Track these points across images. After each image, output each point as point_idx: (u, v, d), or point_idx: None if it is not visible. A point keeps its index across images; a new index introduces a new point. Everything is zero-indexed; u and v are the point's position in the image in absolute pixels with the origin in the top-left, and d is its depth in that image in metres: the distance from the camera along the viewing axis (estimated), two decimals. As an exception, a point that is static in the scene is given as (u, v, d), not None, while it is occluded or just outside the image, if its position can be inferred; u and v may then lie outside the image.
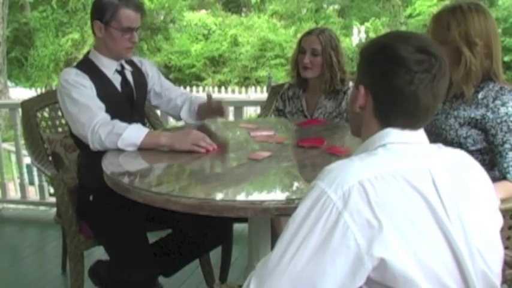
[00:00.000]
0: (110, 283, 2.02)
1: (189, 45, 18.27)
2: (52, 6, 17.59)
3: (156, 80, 2.27)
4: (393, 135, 1.01)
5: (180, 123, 2.50)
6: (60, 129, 2.56)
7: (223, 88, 15.85)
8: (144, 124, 2.13)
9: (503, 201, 1.17)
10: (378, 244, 0.87)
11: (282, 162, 1.66)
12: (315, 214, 0.90)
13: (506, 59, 12.52)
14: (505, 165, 1.60)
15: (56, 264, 2.76)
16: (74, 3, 16.84)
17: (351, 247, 0.87)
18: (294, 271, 0.89)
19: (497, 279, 1.00)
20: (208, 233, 2.06)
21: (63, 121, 2.57)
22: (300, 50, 2.47)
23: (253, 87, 15.61)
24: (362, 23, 16.62)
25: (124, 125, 1.85)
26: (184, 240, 2.07)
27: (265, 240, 1.70)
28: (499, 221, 1.05)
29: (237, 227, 2.41)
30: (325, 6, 19.67)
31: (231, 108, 3.62)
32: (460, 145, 1.67)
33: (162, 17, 18.70)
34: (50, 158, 2.45)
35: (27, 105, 2.50)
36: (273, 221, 2.05)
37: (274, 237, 1.93)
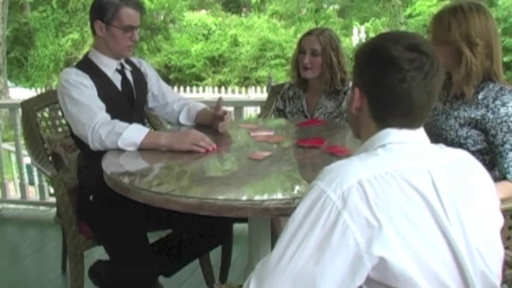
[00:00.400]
0: (110, 283, 2.02)
1: (189, 45, 18.27)
2: (52, 6, 17.59)
3: (154, 81, 2.27)
4: (392, 135, 1.01)
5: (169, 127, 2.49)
6: (60, 129, 2.56)
7: (223, 88, 15.84)
8: (144, 124, 2.13)
9: (503, 201, 1.17)
10: (378, 243, 0.87)
11: (282, 162, 1.66)
12: (315, 213, 0.90)
13: (506, 59, 12.52)
14: (505, 165, 1.60)
15: (56, 264, 2.76)
16: (74, 3, 16.84)
17: (351, 246, 0.87)
18: (294, 270, 0.89)
19: (496, 279, 1.00)
20: (208, 233, 2.06)
21: (63, 121, 2.57)
22: (300, 50, 2.47)
23: (253, 87, 15.60)
24: (362, 23, 16.62)
25: (124, 124, 1.85)
26: (184, 240, 2.07)
27: (265, 240, 1.70)
28: (499, 221, 1.05)
29: (237, 227, 2.40)
30: (325, 6, 19.67)
31: (231, 108, 3.63)
32: (460, 145, 1.67)
33: (162, 17, 18.71)
34: (50, 158, 2.45)
35: (27, 105, 2.50)
36: (273, 221, 2.05)
37: (274, 237, 1.93)
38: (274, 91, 2.89)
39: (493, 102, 1.62)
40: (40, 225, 3.52)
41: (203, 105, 2.32)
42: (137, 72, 2.19)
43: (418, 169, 0.95)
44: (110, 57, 2.05)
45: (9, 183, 4.02)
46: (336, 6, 19.74)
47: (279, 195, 1.35)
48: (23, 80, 17.98)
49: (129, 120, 1.91)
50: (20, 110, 2.72)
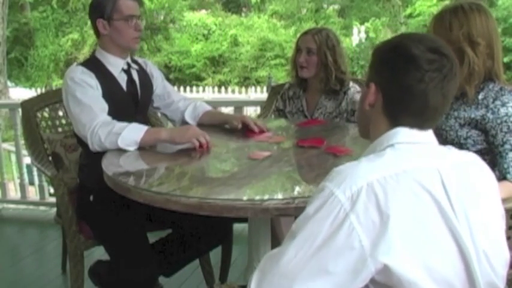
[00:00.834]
0: (110, 283, 2.02)
1: (189, 45, 18.26)
2: (52, 6, 17.59)
3: (159, 81, 2.27)
4: (401, 134, 1.01)
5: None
6: (60, 129, 2.56)
7: (223, 88, 15.84)
8: (146, 125, 2.13)
9: (503, 201, 1.17)
10: (383, 248, 0.87)
11: (282, 162, 1.66)
12: (323, 213, 0.90)
13: (506, 59, 12.51)
14: (505, 165, 1.60)
15: (56, 264, 2.76)
16: (74, 3, 16.84)
17: (356, 248, 0.87)
18: (296, 266, 0.89)
19: (501, 283, 1.00)
20: (208, 233, 2.06)
21: (63, 121, 2.57)
22: (297, 49, 2.49)
23: (253, 87, 15.60)
24: (362, 23, 16.61)
25: (123, 124, 1.85)
26: (184, 240, 2.07)
27: (265, 240, 1.70)
28: (503, 224, 1.05)
29: (237, 227, 2.40)
30: (325, 6, 19.65)
31: (231, 108, 3.63)
32: (460, 146, 1.67)
33: (162, 17, 18.70)
34: (50, 158, 2.45)
35: (27, 105, 2.50)
36: (273, 221, 2.05)
37: (274, 237, 1.94)
38: (274, 91, 2.89)
39: (493, 102, 1.62)
40: (40, 225, 3.52)
41: (209, 107, 2.33)
42: (143, 72, 2.19)
43: (427, 170, 0.95)
44: (116, 55, 2.05)
45: (9, 183, 4.02)
46: (336, 6, 19.73)
47: (278, 192, 1.35)
48: (23, 80, 17.97)
49: (133, 121, 1.91)
50: (20, 110, 2.72)
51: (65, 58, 17.76)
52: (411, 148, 1.00)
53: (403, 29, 16.00)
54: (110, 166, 1.64)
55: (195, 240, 2.07)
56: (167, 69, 17.49)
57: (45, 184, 3.76)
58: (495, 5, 13.84)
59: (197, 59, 17.91)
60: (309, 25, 16.08)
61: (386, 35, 14.42)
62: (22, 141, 3.10)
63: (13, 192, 4.18)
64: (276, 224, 2.15)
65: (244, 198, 1.33)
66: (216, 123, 2.21)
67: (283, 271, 0.90)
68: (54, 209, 2.56)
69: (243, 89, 15.83)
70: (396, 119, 1.02)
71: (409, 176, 0.92)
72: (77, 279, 2.08)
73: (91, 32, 2.29)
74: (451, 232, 0.93)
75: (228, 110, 3.82)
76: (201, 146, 1.78)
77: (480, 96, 1.65)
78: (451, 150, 1.05)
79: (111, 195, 1.53)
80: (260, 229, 1.69)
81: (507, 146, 1.59)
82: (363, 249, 0.87)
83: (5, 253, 3.13)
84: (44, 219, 3.61)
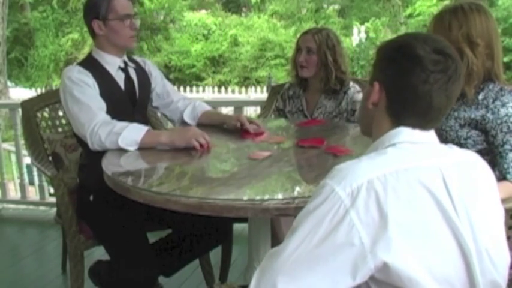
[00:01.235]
0: (110, 283, 2.02)
1: (189, 45, 18.25)
2: (52, 6, 17.58)
3: (159, 80, 2.27)
4: (403, 134, 1.01)
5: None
6: (60, 129, 2.56)
7: (223, 88, 15.84)
8: (146, 125, 2.12)
9: (503, 201, 1.17)
10: (382, 245, 0.87)
11: (282, 162, 1.66)
12: (323, 209, 0.91)
13: (506, 59, 12.51)
14: (505, 165, 1.60)
15: (56, 264, 2.76)
16: (74, 3, 16.83)
17: (355, 245, 0.87)
18: (296, 261, 0.90)
19: (503, 281, 1.00)
20: (208, 233, 2.06)
21: (63, 121, 2.57)
22: (297, 49, 2.49)
23: (253, 87, 15.60)
24: (362, 23, 16.60)
25: (124, 124, 1.85)
26: (184, 240, 2.07)
27: (265, 240, 1.70)
28: (503, 223, 1.05)
29: (237, 227, 2.40)
30: (325, 6, 19.64)
31: (231, 108, 3.63)
32: (460, 146, 1.66)
33: (162, 17, 18.69)
34: (50, 158, 2.45)
35: (27, 105, 2.50)
36: (273, 221, 2.05)
37: (274, 237, 1.94)
38: (274, 91, 2.90)
39: (493, 102, 1.62)
40: (40, 225, 3.52)
41: (209, 107, 2.32)
42: (141, 71, 2.19)
43: (429, 168, 0.95)
44: (113, 54, 2.05)
45: (9, 183, 4.02)
46: (336, 6, 19.72)
47: (278, 192, 1.35)
48: (23, 80, 17.97)
49: (132, 120, 1.91)
50: (20, 110, 2.73)
51: (65, 58, 17.76)
52: (413, 147, 1.00)
53: (403, 29, 15.99)
54: (109, 166, 1.64)
55: (195, 240, 2.07)
56: (167, 69, 17.49)
57: (45, 184, 3.76)
58: (495, 5, 13.83)
59: (197, 59, 17.90)
60: (309, 25, 16.07)
61: (387, 35, 14.42)
62: (22, 141, 3.10)
63: (13, 192, 4.18)
64: (276, 224, 2.15)
65: (244, 198, 1.33)
66: (215, 124, 2.21)
67: (282, 267, 0.91)
68: (54, 209, 2.56)
69: (243, 89, 15.83)
70: (399, 118, 1.02)
71: (410, 174, 0.93)
72: (77, 279, 2.08)
73: (89, 34, 2.26)
74: (452, 230, 0.93)
75: (228, 110, 3.83)
76: (201, 146, 1.78)
77: (480, 97, 1.65)
78: (452, 149, 1.05)
79: (111, 195, 1.53)
80: (260, 229, 1.70)
81: (507, 146, 1.59)
82: (362, 246, 0.87)
83: (5, 253, 3.13)
84: (44, 219, 3.61)
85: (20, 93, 12.54)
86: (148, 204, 1.39)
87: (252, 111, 7.92)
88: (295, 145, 1.89)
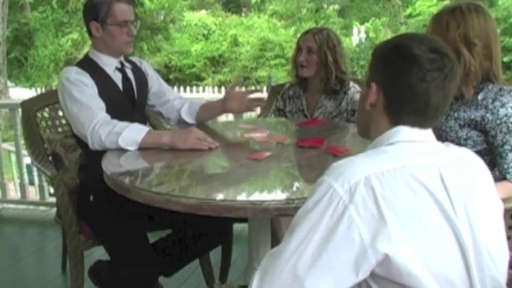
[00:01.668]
0: (110, 283, 2.02)
1: (189, 45, 18.25)
2: (52, 6, 17.57)
3: (154, 80, 2.27)
4: (402, 133, 1.02)
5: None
6: (60, 129, 2.56)
7: (223, 88, 15.84)
8: (145, 124, 2.13)
9: (503, 201, 1.17)
10: (383, 239, 0.88)
11: (282, 163, 1.66)
12: (322, 207, 0.91)
13: (506, 59, 12.51)
14: (505, 166, 1.60)
15: (56, 264, 2.76)
16: (74, 3, 16.82)
17: (355, 241, 0.88)
18: (298, 261, 0.90)
19: (503, 279, 1.00)
20: (208, 233, 2.06)
21: (63, 121, 2.57)
22: (298, 48, 2.49)
23: (253, 87, 15.60)
24: (362, 23, 16.60)
25: (124, 124, 1.85)
26: (184, 240, 2.07)
27: (265, 240, 1.70)
28: (502, 220, 1.05)
29: (237, 227, 2.40)
30: (325, 6, 19.65)
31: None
32: (460, 147, 1.67)
33: (162, 17, 18.69)
34: (50, 158, 2.45)
35: (27, 105, 2.50)
36: (273, 221, 2.05)
37: (274, 237, 1.94)
38: (274, 91, 2.90)
39: (492, 103, 1.62)
40: (40, 225, 3.53)
41: (204, 102, 2.30)
42: (138, 71, 2.19)
43: (426, 166, 0.96)
44: (109, 55, 2.05)
45: (9, 183, 4.02)
46: (336, 6, 19.72)
47: (279, 193, 1.35)
48: (23, 80, 17.97)
49: (131, 120, 1.91)
50: (20, 110, 2.73)
51: (65, 58, 17.75)
52: (411, 146, 1.01)
53: (403, 29, 15.99)
54: (109, 166, 1.64)
55: (195, 240, 2.07)
56: (167, 69, 17.50)
57: (45, 184, 3.77)
58: (495, 5, 13.83)
59: (197, 59, 17.90)
60: (309, 25, 16.07)
61: (386, 35, 14.42)
62: (22, 141, 3.10)
63: (13, 192, 4.18)
64: (276, 224, 2.15)
65: (244, 198, 1.33)
66: (215, 114, 2.19)
67: (284, 267, 0.91)
68: (54, 209, 2.56)
69: (243, 89, 15.81)
70: (397, 117, 1.03)
71: (407, 171, 0.93)
72: (77, 279, 2.08)
73: (87, 33, 2.26)
74: (451, 227, 0.93)
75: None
76: (209, 147, 1.79)
77: (479, 97, 1.65)
78: (450, 147, 1.06)
79: (111, 195, 1.53)
80: (260, 229, 1.70)
81: (507, 147, 1.60)
82: (362, 242, 0.88)
83: (5, 253, 3.13)
84: (44, 219, 3.61)
85: (20, 93, 12.54)
86: (148, 204, 1.39)
87: (252, 111, 7.92)
88: (295, 145, 1.89)
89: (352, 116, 2.45)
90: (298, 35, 2.62)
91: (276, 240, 1.89)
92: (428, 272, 0.90)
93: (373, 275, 0.90)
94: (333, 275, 0.88)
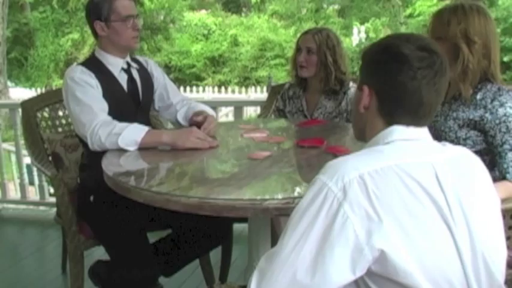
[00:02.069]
0: (110, 283, 2.02)
1: (189, 45, 18.27)
2: (52, 6, 17.58)
3: (161, 81, 2.26)
4: (397, 132, 1.02)
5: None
6: (60, 129, 2.56)
7: (223, 88, 15.85)
8: (148, 126, 2.12)
9: (503, 201, 1.17)
10: (378, 236, 0.88)
11: (282, 163, 1.66)
12: (317, 205, 0.92)
13: (506, 59, 12.52)
14: (505, 165, 1.60)
15: (56, 264, 2.76)
16: (74, 3, 16.81)
17: (350, 238, 0.88)
18: (296, 260, 0.90)
19: (501, 277, 1.00)
20: (208, 233, 2.06)
21: (63, 121, 2.57)
22: (297, 49, 2.50)
23: (253, 87, 15.61)
24: (362, 23, 16.62)
25: (124, 124, 1.85)
26: (184, 240, 2.07)
27: (265, 240, 1.70)
28: (501, 216, 1.05)
29: (237, 227, 2.40)
30: (325, 6, 19.67)
31: (231, 108, 3.63)
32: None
33: (162, 17, 18.68)
34: (50, 158, 2.45)
35: (27, 105, 2.50)
36: (273, 221, 2.05)
37: (274, 237, 1.93)
38: (274, 91, 2.90)
39: (491, 102, 1.62)
40: (40, 225, 3.52)
41: (203, 106, 2.28)
42: (144, 71, 2.18)
43: (421, 164, 0.96)
44: (116, 55, 2.05)
45: (9, 183, 4.02)
46: (336, 6, 19.74)
47: (279, 194, 1.35)
48: (23, 80, 17.98)
49: (135, 121, 1.90)
50: (20, 110, 2.73)
51: (65, 58, 17.77)
52: (406, 145, 1.01)
53: (403, 29, 15.99)
54: (110, 166, 1.64)
55: (195, 240, 2.07)
56: (167, 69, 17.50)
57: (45, 184, 3.76)
58: (495, 4, 13.83)
59: (197, 59, 17.92)
60: (309, 25, 16.08)
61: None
62: (22, 141, 3.10)
63: (13, 192, 4.18)
64: (276, 224, 2.15)
65: (245, 198, 1.33)
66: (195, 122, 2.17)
67: (282, 267, 0.91)
68: (54, 209, 2.56)
69: (243, 89, 15.83)
70: (392, 117, 1.04)
71: (401, 169, 0.94)
72: (77, 279, 2.08)
73: (92, 34, 2.26)
74: (447, 225, 0.93)
75: (228, 110, 3.83)
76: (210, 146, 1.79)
77: (478, 97, 1.65)
78: (446, 146, 1.06)
79: (112, 195, 1.53)
80: (260, 229, 1.70)
81: (506, 146, 1.60)
82: (357, 239, 0.88)
83: (5, 253, 3.13)
84: (44, 219, 3.61)
85: (20, 93, 12.56)
86: (148, 204, 1.39)
87: (252, 111, 7.92)
88: (295, 145, 1.89)
89: (351, 117, 2.45)
90: (298, 35, 2.62)
91: (276, 240, 1.89)
92: (423, 269, 0.90)
93: (370, 273, 0.91)
94: (331, 272, 0.89)
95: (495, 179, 1.53)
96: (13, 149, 4.51)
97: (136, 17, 2.02)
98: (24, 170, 3.83)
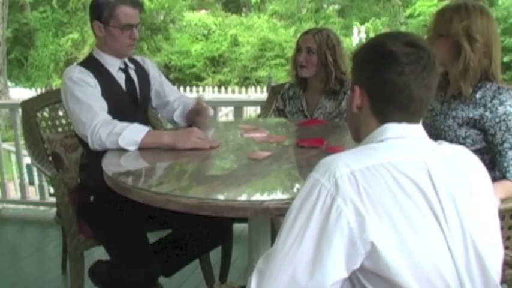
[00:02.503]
0: (110, 283, 2.02)
1: (189, 45, 18.28)
2: (52, 6, 17.60)
3: (157, 79, 2.26)
4: (391, 130, 1.03)
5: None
6: (60, 129, 2.56)
7: (223, 88, 15.85)
8: (148, 125, 2.12)
9: (503, 201, 1.17)
10: (369, 231, 0.88)
11: (282, 163, 1.66)
12: (311, 202, 0.92)
13: (506, 59, 12.53)
14: (505, 164, 1.60)
15: (56, 264, 2.76)
16: (74, 3, 16.83)
17: (345, 231, 0.89)
18: (294, 258, 0.90)
19: (496, 276, 1.00)
20: (208, 233, 2.06)
21: (63, 121, 2.57)
22: (297, 49, 2.50)
23: (253, 87, 15.62)
24: (362, 23, 16.63)
25: (124, 124, 1.85)
26: (184, 240, 2.07)
27: (265, 240, 1.70)
28: (497, 219, 1.05)
29: (237, 227, 2.41)
30: (325, 6, 19.68)
31: (231, 108, 3.63)
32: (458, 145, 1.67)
33: (162, 17, 18.70)
34: (50, 158, 2.45)
35: (27, 105, 2.50)
36: (273, 221, 2.05)
37: (274, 237, 1.93)
38: (274, 91, 2.90)
39: (491, 101, 1.62)
40: (40, 225, 3.52)
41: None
42: (141, 70, 2.18)
43: (413, 162, 0.97)
44: (112, 56, 2.05)
45: (9, 183, 4.02)
46: (336, 6, 19.75)
47: (279, 195, 1.35)
48: (23, 80, 17.99)
49: (134, 120, 1.90)
50: (20, 110, 2.72)
51: (65, 58, 17.78)
52: (401, 142, 1.02)
53: (403, 29, 15.99)
54: (110, 166, 1.64)
55: (195, 240, 2.07)
56: (167, 69, 17.52)
57: (45, 184, 3.76)
58: (495, 4, 13.85)
59: (197, 59, 17.93)
60: (309, 25, 16.09)
61: (386, 35, 14.41)
62: (22, 141, 3.10)
63: (13, 192, 4.18)
64: (276, 224, 2.15)
65: (244, 198, 1.33)
66: (190, 121, 2.17)
67: (280, 267, 0.91)
68: (54, 209, 2.56)
69: (243, 89, 15.85)
70: (384, 115, 1.04)
71: (393, 166, 0.94)
72: (77, 279, 2.08)
73: (91, 32, 2.27)
74: (438, 223, 0.94)
75: (228, 110, 3.83)
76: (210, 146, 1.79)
77: (478, 96, 1.66)
78: (442, 145, 1.06)
79: (112, 195, 1.53)
80: (260, 229, 1.70)
81: (506, 145, 1.60)
82: (351, 232, 0.88)
83: (5, 253, 3.13)
84: (44, 219, 3.61)
85: (20, 93, 12.56)
86: (148, 205, 1.39)
87: (252, 111, 7.92)
88: (295, 145, 1.89)
89: (352, 116, 2.45)
90: (298, 35, 2.61)
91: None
92: (413, 265, 0.90)
93: (364, 270, 0.91)
94: (329, 267, 0.89)
95: (495, 179, 1.54)
96: (13, 149, 4.51)
97: (136, 26, 2.01)
98: (24, 170, 3.83)
